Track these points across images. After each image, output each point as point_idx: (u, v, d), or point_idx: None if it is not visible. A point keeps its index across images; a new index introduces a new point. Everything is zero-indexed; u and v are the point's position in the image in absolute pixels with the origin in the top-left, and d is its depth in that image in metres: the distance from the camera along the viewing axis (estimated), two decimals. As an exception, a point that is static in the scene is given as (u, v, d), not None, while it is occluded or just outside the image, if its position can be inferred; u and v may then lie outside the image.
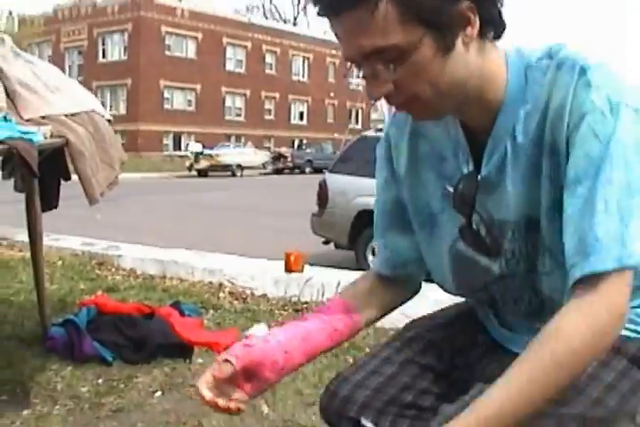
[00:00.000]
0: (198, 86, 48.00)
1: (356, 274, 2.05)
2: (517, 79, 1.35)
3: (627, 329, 1.39)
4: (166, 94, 46.38)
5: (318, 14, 1.27)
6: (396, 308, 1.69)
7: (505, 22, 1.32)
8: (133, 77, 44.60)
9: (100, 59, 47.34)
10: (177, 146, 45.53)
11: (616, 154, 1.22)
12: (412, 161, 1.54)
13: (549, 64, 1.32)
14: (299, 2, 73.39)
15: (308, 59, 56.15)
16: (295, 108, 55.57)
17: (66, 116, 3.02)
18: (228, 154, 34.54)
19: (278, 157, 37.60)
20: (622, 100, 1.24)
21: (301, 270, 6.02)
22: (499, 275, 1.47)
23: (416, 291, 1.71)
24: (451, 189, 1.46)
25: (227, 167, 33.63)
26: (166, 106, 46.54)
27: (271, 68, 53.69)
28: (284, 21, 70.80)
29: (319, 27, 74.99)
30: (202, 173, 33.05)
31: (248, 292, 5.56)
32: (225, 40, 49.84)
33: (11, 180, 3.80)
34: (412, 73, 1.25)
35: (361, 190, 7.04)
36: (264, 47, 52.75)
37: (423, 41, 1.22)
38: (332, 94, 56.51)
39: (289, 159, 37.43)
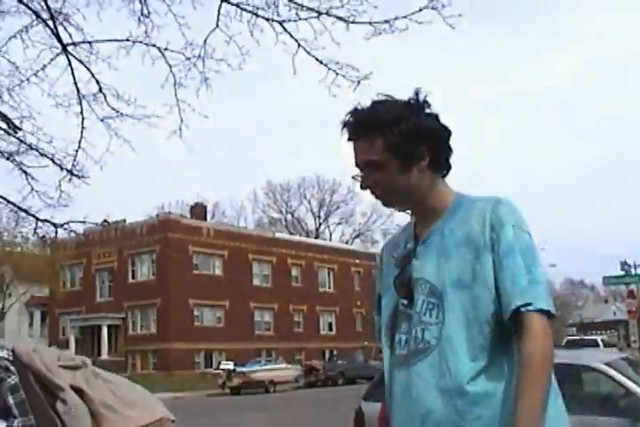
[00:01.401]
0: (227, 303, 48.76)
1: None
2: (457, 202, 2.33)
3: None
4: (196, 312, 47.06)
5: (348, 140, 2.30)
6: None
7: (450, 164, 2.34)
8: (163, 297, 45.40)
9: (130, 279, 48.46)
10: (209, 363, 45.47)
11: (518, 245, 2.16)
12: (387, 259, 2.50)
13: (482, 199, 2.29)
14: (319, 215, 76.10)
15: (333, 269, 57.27)
16: (324, 319, 56.01)
17: (143, 427, 3.36)
18: (261, 370, 34.56)
19: (310, 371, 37.54)
20: (517, 225, 2.20)
21: None
22: (412, 314, 2.27)
23: None
24: (395, 255, 2.43)
25: (260, 384, 33.55)
26: (196, 323, 47.04)
27: (297, 281, 54.64)
28: (307, 233, 72.97)
29: (341, 237, 77.28)
30: (234, 391, 32.92)
31: None
32: (250, 256, 51.21)
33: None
34: (383, 177, 2.27)
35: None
36: (289, 261, 54.06)
37: (392, 161, 2.24)
38: (358, 303, 57.04)
39: (321, 372, 37.34)
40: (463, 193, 2.37)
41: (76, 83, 8.80)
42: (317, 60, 8.36)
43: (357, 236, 79.25)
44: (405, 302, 2.30)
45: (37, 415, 3.25)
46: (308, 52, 8.40)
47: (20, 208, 9.49)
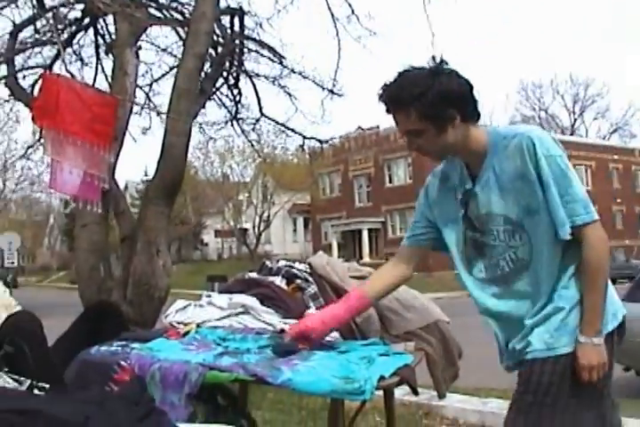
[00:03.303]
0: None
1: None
2: (493, 142, 2.69)
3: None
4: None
5: (386, 112, 2.67)
6: (397, 286, 3.16)
7: (479, 112, 2.69)
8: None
9: (387, 184, 49.66)
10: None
11: (552, 175, 2.57)
12: (441, 190, 2.94)
13: (512, 135, 2.65)
14: (573, 110, 73.30)
15: (590, 166, 55.37)
16: (582, 217, 54.58)
17: (420, 329, 3.88)
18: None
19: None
20: (548, 154, 2.58)
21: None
22: (487, 245, 2.77)
23: (411, 274, 3.14)
24: (459, 197, 2.83)
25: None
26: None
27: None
28: (562, 130, 70.75)
29: (597, 132, 74.19)
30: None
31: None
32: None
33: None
34: (424, 141, 2.67)
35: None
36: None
37: (428, 128, 2.62)
38: (618, 200, 55.09)
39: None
40: (491, 129, 2.77)
41: (329, 7, 9.27)
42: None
43: (615, 131, 75.51)
44: (479, 234, 2.80)
45: (335, 318, 3.85)
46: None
47: (287, 127, 10.23)
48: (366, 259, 47.05)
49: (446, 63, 2.66)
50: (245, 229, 49.63)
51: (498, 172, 2.68)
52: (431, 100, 2.56)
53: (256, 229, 46.65)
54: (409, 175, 47.68)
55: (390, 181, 49.54)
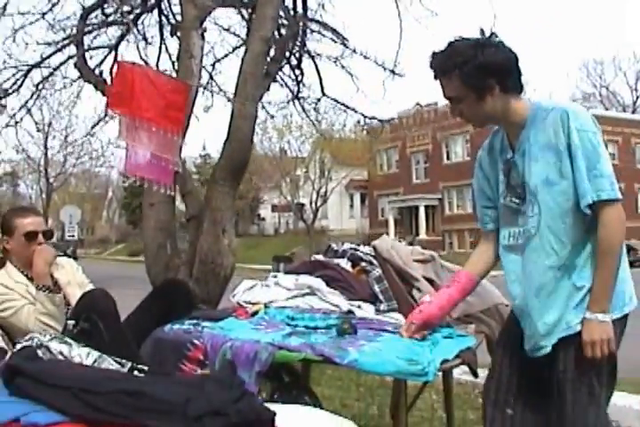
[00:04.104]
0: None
1: None
2: (533, 114, 2.83)
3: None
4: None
5: (434, 78, 2.85)
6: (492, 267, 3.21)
7: (522, 84, 2.85)
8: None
9: (445, 160, 49.43)
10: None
11: (582, 149, 2.70)
12: (489, 161, 3.10)
13: (550, 108, 2.78)
14: (635, 87, 71.81)
15: (655, 145, 54.39)
16: (644, 197, 53.86)
17: (480, 312, 3.98)
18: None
19: (627, 251, 36.39)
20: (582, 128, 2.71)
21: None
22: (522, 213, 2.87)
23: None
24: (501, 166, 2.98)
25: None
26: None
27: (614, 158, 52.46)
28: (623, 108, 69.40)
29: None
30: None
31: None
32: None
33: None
34: (465, 108, 2.84)
35: None
36: (604, 137, 51.74)
37: (468, 95, 2.79)
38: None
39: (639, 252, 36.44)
40: (534, 102, 2.90)
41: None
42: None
43: (678, 108, 73.86)
44: (517, 201, 2.92)
45: (398, 301, 3.98)
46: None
47: (348, 107, 10.31)
48: (423, 236, 47.08)
49: (496, 36, 2.83)
50: (302, 204, 49.81)
51: (532, 142, 2.82)
52: (471, 70, 2.73)
53: (313, 205, 46.75)
54: (467, 152, 47.34)
55: (448, 158, 49.29)
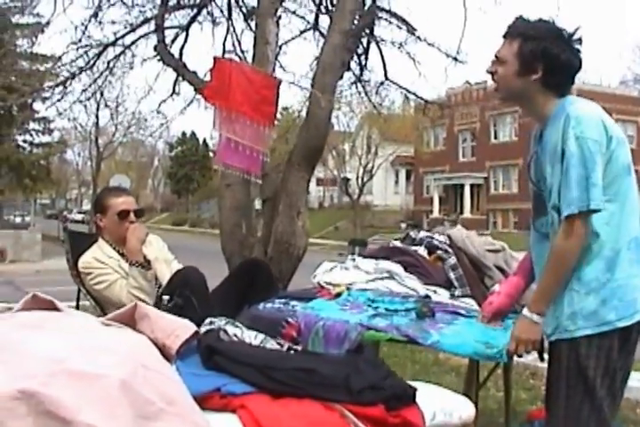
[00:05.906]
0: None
1: None
2: (556, 112, 2.86)
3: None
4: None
5: (502, 36, 2.95)
6: None
7: (564, 89, 2.93)
8: (525, 157, 45.14)
9: (492, 140, 49.14)
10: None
11: (576, 157, 2.71)
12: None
13: (567, 110, 2.81)
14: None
15: None
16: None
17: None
18: None
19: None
20: (581, 135, 2.72)
21: None
22: (547, 201, 2.91)
23: None
24: (529, 158, 3.06)
25: None
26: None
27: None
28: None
29: None
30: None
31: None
32: (614, 117, 48.91)
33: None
34: (502, 71, 2.93)
35: None
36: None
37: (513, 63, 2.88)
38: None
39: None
40: (562, 102, 2.91)
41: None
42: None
43: None
44: (540, 191, 3.01)
45: (471, 287, 4.30)
46: None
47: (409, 91, 10.54)
48: (467, 214, 47.05)
49: (580, 42, 2.92)
50: (348, 179, 49.99)
51: (546, 139, 2.91)
52: (534, 47, 2.84)
53: (359, 180, 46.93)
54: (514, 132, 47.02)
55: (495, 137, 48.95)
